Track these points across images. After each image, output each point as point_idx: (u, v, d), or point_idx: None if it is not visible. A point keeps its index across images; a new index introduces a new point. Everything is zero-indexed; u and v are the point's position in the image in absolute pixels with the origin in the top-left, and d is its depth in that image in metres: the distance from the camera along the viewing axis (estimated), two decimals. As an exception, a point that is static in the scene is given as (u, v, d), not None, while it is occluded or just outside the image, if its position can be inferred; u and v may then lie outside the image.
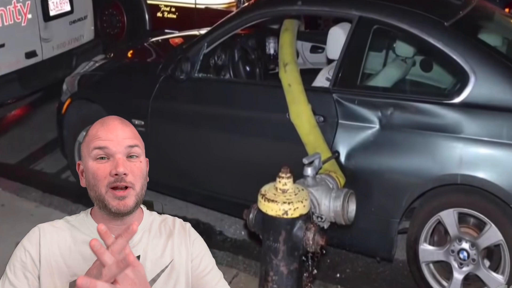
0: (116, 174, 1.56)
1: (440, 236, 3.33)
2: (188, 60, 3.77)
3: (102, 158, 1.59)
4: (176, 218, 1.80)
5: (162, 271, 1.67)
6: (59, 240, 1.61)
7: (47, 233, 1.62)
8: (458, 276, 3.18)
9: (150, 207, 1.83)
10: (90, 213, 1.69)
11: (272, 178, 2.65)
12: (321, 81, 3.72)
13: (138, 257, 1.64)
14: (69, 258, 1.60)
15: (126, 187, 1.58)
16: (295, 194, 2.58)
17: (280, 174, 2.60)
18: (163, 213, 1.84)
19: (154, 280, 1.64)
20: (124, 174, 1.56)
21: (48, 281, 1.57)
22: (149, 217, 1.74)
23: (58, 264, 1.59)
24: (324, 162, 3.15)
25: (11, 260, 1.61)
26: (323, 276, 3.54)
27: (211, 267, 1.78)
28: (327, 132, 3.33)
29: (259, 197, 2.62)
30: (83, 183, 1.66)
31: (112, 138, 1.59)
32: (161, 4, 7.01)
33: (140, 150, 1.64)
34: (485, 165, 3.02)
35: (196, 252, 1.75)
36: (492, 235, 3.06)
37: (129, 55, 4.91)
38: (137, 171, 1.61)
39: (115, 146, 1.59)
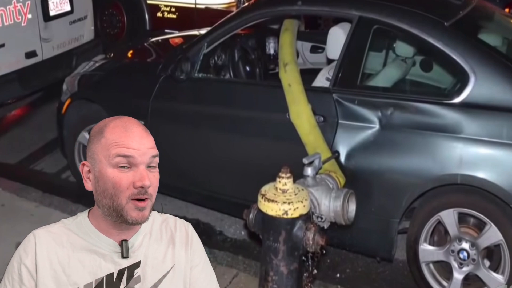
0: (141, 187, 1.50)
1: (440, 236, 3.33)
2: (188, 60, 3.77)
3: (123, 166, 1.51)
4: (178, 218, 1.75)
5: (164, 276, 1.63)
6: (56, 247, 1.56)
7: (43, 240, 1.56)
8: (458, 276, 3.18)
9: None
10: (88, 216, 1.63)
11: (272, 178, 2.65)
12: (321, 81, 3.72)
13: (139, 262, 1.61)
14: (67, 266, 1.55)
15: (145, 199, 1.53)
16: (295, 194, 2.58)
17: (280, 174, 2.60)
18: (163, 213, 1.80)
19: (155, 286, 1.62)
20: (149, 187, 1.52)
21: None
22: (149, 217, 1.67)
23: (56, 273, 1.54)
24: (324, 162, 3.15)
25: (9, 271, 1.56)
26: (323, 276, 3.54)
27: (209, 279, 1.74)
28: (327, 132, 3.33)
29: (259, 197, 2.62)
30: (88, 187, 1.58)
31: (137, 147, 1.51)
32: (161, 4, 7.01)
33: (158, 160, 1.58)
34: (485, 165, 3.01)
35: (196, 260, 1.70)
36: (492, 235, 3.06)
37: (129, 55, 4.91)
38: (156, 182, 1.56)
39: (141, 156, 1.51)
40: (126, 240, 1.58)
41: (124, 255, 1.57)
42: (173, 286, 1.64)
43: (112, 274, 1.57)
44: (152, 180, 1.53)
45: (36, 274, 1.53)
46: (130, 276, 1.58)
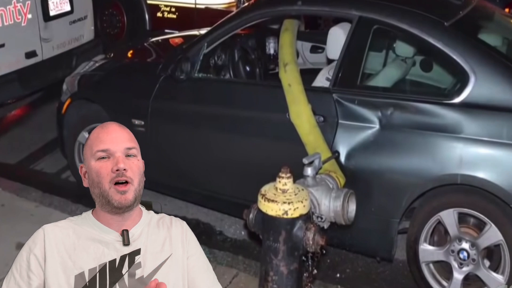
0: (117, 170, 1.71)
1: (440, 236, 3.33)
2: (188, 60, 3.77)
3: (103, 158, 1.75)
4: (173, 217, 1.92)
5: (163, 263, 1.77)
6: (63, 238, 1.73)
7: (51, 232, 1.73)
8: (458, 276, 3.18)
9: (149, 207, 1.95)
10: (91, 213, 1.82)
11: (272, 178, 2.65)
12: (321, 81, 3.72)
13: (139, 250, 1.75)
14: (73, 253, 1.71)
15: (126, 182, 1.73)
16: (295, 194, 2.58)
17: (280, 174, 2.60)
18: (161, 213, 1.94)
19: (155, 271, 1.75)
20: (124, 169, 1.72)
21: (54, 276, 1.67)
22: (147, 215, 1.87)
23: (63, 259, 1.69)
24: (324, 162, 3.14)
25: (17, 260, 1.71)
26: (323, 276, 3.54)
27: (206, 267, 1.89)
28: (327, 132, 3.32)
29: (259, 197, 2.62)
30: (85, 184, 1.81)
31: (112, 139, 1.76)
32: (161, 4, 7.01)
33: (136, 151, 1.81)
34: (485, 165, 3.01)
35: (192, 250, 1.86)
36: (492, 235, 3.06)
37: (129, 55, 4.90)
38: (134, 168, 1.77)
39: (115, 146, 1.75)
40: (126, 230, 1.76)
41: (125, 242, 1.74)
42: (171, 272, 1.78)
43: (115, 260, 1.73)
44: (129, 165, 1.75)
45: (45, 262, 1.68)
46: (131, 262, 1.75)
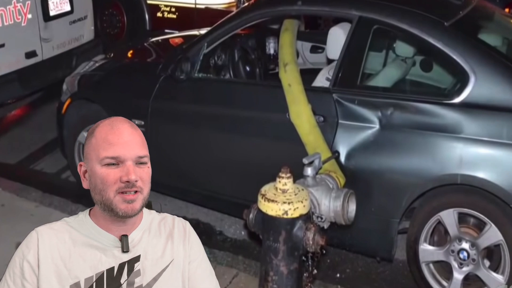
0: (127, 181, 1.57)
1: (440, 236, 3.33)
2: (188, 60, 3.77)
3: (111, 164, 1.58)
4: (176, 217, 1.81)
5: (163, 270, 1.68)
6: (58, 243, 1.61)
7: (45, 236, 1.61)
8: (458, 276, 3.18)
9: (149, 207, 1.84)
10: (89, 214, 1.69)
11: (272, 178, 2.65)
12: (321, 81, 3.72)
13: (139, 256, 1.65)
14: (69, 261, 1.60)
15: (135, 191, 1.60)
16: (295, 194, 2.58)
17: (280, 174, 2.60)
18: (162, 213, 1.84)
19: (155, 280, 1.66)
20: (135, 181, 1.58)
21: (47, 285, 1.57)
22: (148, 216, 1.75)
23: (57, 268, 1.58)
24: (324, 162, 3.15)
25: (11, 266, 1.61)
26: (323, 276, 3.54)
27: (208, 273, 1.79)
28: (327, 132, 3.33)
29: (259, 197, 2.62)
30: (85, 185, 1.66)
31: (123, 144, 1.59)
32: (161, 4, 7.02)
33: (148, 158, 1.65)
34: (485, 165, 3.01)
35: (194, 255, 1.75)
36: (492, 235, 3.06)
37: (129, 55, 4.91)
38: (145, 176, 1.62)
39: (126, 154, 1.59)
40: (126, 235, 1.64)
41: (124, 249, 1.62)
42: (172, 280, 1.68)
43: (113, 268, 1.61)
44: (140, 174, 1.60)
45: (38, 269, 1.57)
46: (130, 270, 1.63)
